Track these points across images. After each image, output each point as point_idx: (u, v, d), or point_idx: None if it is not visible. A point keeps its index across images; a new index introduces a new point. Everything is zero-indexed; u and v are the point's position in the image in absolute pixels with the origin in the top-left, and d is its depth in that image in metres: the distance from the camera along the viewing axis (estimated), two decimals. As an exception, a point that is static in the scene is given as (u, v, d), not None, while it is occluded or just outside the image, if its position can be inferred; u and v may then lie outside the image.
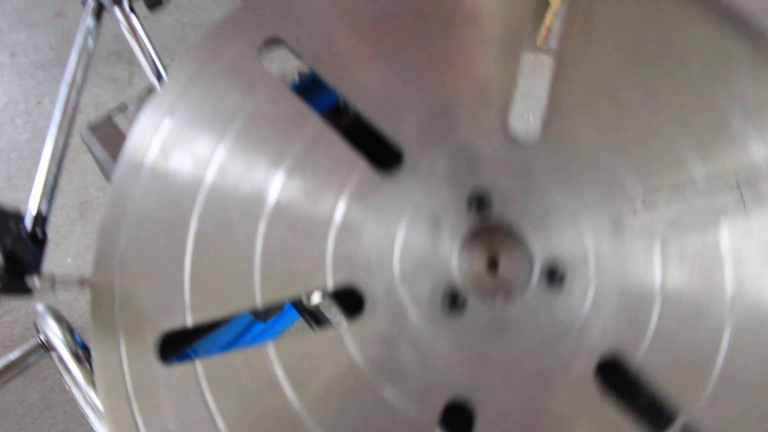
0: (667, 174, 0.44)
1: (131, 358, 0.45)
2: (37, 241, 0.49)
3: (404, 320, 0.44)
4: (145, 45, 0.64)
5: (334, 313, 0.63)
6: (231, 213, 0.46)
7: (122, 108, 0.68)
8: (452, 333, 0.43)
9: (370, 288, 0.44)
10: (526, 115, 0.47)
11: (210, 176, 0.46)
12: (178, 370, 0.44)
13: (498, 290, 0.44)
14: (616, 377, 0.43)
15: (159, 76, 0.64)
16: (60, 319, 0.54)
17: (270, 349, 0.44)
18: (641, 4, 0.46)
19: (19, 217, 0.45)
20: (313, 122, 0.46)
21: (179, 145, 0.47)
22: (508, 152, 0.44)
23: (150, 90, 0.64)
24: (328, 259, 0.45)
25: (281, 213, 0.45)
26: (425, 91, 0.45)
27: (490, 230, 0.44)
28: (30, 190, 1.43)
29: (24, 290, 0.48)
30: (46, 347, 0.53)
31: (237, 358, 0.45)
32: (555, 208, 0.44)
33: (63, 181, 1.41)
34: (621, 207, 0.44)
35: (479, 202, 0.44)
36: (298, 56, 0.47)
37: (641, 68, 0.45)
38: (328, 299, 0.59)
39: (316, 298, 0.61)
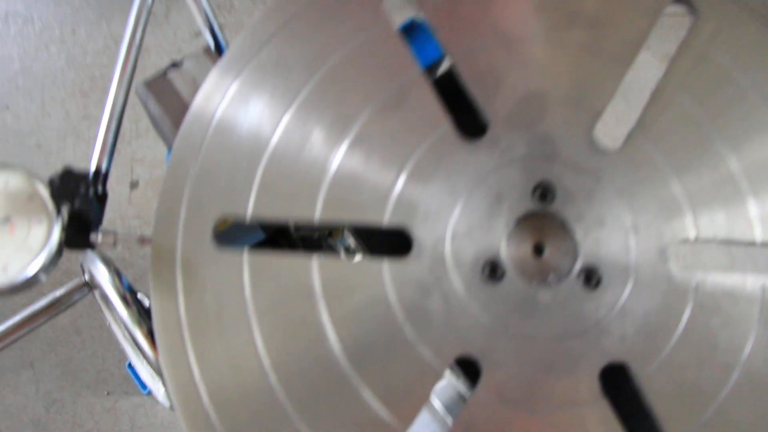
0: (725, 222, 0.47)
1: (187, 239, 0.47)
2: (98, 197, 0.51)
3: (443, 274, 0.46)
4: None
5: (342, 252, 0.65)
6: (306, 148, 0.48)
7: (177, 64, 0.71)
8: (483, 298, 0.46)
9: (421, 236, 0.47)
10: (613, 128, 0.51)
11: (290, 114, 0.49)
12: (229, 254, 0.47)
13: (537, 274, 0.47)
14: (619, 382, 0.46)
15: (212, 31, 0.66)
16: (106, 261, 0.56)
17: (314, 262, 0.46)
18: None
19: (88, 179, 0.48)
20: (413, 73, 0.49)
21: (254, 92, 0.50)
22: (584, 155, 0.48)
23: (206, 49, 0.67)
24: (392, 198, 0.47)
25: (359, 144, 0.48)
26: (527, 75, 0.49)
27: (545, 218, 0.47)
28: (64, 120, 1.44)
29: (87, 245, 0.50)
30: (90, 286, 0.55)
31: (283, 261, 0.47)
32: (611, 218, 0.47)
33: (97, 111, 1.44)
34: (673, 238, 0.47)
35: (543, 192, 0.47)
36: (418, 6, 0.50)
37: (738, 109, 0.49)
38: (351, 236, 0.62)
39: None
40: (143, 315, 0.62)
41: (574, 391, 0.45)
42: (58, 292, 0.57)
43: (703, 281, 0.46)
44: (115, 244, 0.50)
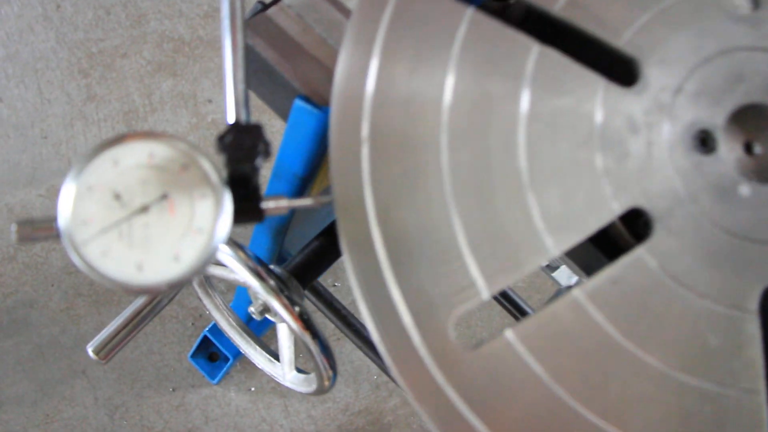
0: None
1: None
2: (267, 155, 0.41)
3: (657, 120, 0.41)
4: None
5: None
6: (480, 121, 0.42)
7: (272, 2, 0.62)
8: (684, 163, 0.41)
9: (650, 75, 0.42)
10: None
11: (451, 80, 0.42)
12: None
13: (747, 165, 0.42)
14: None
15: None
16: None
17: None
18: None
19: (261, 133, 0.38)
20: None
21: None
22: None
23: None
24: (634, 27, 0.42)
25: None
26: None
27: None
28: (66, 104, 1.31)
29: (257, 217, 0.40)
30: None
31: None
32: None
33: (101, 90, 1.31)
34: None
35: None
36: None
37: None
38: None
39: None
40: (280, 284, 0.54)
41: (732, 292, 0.40)
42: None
43: None
44: (287, 208, 0.41)
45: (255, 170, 0.37)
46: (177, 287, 0.38)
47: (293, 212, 0.69)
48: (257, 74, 0.55)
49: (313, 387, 0.64)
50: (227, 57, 0.47)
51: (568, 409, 0.38)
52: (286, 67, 0.52)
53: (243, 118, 0.44)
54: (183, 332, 1.20)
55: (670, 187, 0.41)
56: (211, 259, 0.38)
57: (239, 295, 0.97)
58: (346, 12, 0.56)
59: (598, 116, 0.42)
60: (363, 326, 1.02)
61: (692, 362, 0.39)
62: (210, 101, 1.31)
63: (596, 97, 0.42)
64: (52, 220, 0.39)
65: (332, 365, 0.58)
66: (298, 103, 0.50)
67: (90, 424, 1.15)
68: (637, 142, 0.42)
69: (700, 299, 0.40)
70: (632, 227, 0.46)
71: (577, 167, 0.41)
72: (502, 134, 0.41)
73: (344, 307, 1.04)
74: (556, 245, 0.40)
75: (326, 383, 0.60)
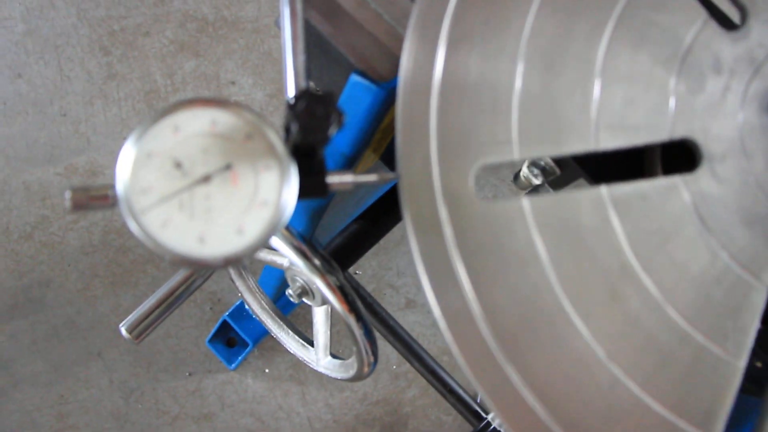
0: None
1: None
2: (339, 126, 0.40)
3: None
4: None
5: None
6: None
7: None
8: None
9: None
10: None
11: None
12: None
13: None
14: None
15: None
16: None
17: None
18: None
19: (333, 101, 0.36)
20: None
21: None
22: None
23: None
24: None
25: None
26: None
27: None
28: (86, 82, 1.29)
29: (323, 192, 0.38)
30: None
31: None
32: None
33: (123, 68, 1.29)
34: None
35: None
36: None
37: None
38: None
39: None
40: (325, 264, 0.53)
41: (754, 257, 0.39)
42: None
43: None
44: (354, 185, 0.39)
45: (326, 141, 0.35)
46: (237, 262, 0.36)
47: (333, 195, 0.67)
48: (307, 48, 0.53)
49: (351, 373, 0.62)
50: (286, 27, 0.45)
51: (553, 297, 0.38)
52: (342, 41, 0.50)
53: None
54: (201, 317, 1.18)
55: (731, 136, 0.40)
56: (275, 234, 0.36)
57: (264, 278, 0.95)
58: (400, -13, 0.54)
59: (687, 42, 0.41)
60: (388, 314, 1.00)
61: (689, 305, 0.39)
62: (233, 83, 1.29)
63: (693, 26, 0.41)
64: (108, 187, 0.37)
65: (374, 351, 0.57)
66: (355, 78, 0.48)
67: (105, 407, 1.13)
68: (716, 82, 0.41)
69: (720, 249, 0.39)
70: (667, 164, 0.45)
71: (650, 80, 0.40)
72: (586, 27, 0.40)
73: (369, 295, 1.03)
74: (599, 140, 0.39)
75: (366, 369, 0.58)
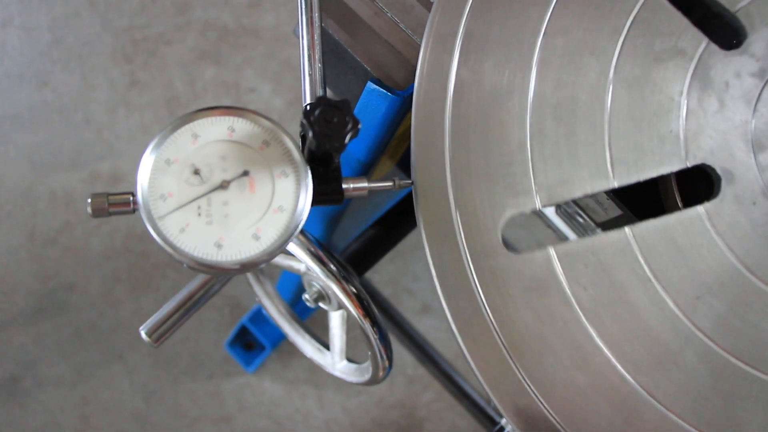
0: None
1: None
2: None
3: None
4: None
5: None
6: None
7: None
8: None
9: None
10: None
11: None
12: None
13: None
14: None
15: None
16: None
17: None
18: None
19: (349, 109, 0.37)
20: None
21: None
22: None
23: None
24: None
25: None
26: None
27: None
28: (109, 90, 1.31)
29: (338, 198, 0.40)
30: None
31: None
32: None
33: (144, 76, 1.31)
34: None
35: None
36: None
37: None
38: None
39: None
40: (341, 269, 0.53)
41: None
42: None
43: None
44: (368, 191, 0.40)
45: (342, 148, 0.36)
46: (254, 267, 0.37)
47: (348, 201, 0.68)
48: (324, 56, 0.54)
49: (366, 377, 0.63)
50: (303, 36, 0.46)
51: (580, 328, 0.38)
52: (358, 49, 0.51)
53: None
54: (220, 320, 1.20)
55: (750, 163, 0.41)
56: (291, 239, 0.37)
57: (282, 283, 0.96)
58: (416, -4, 0.55)
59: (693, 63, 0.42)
60: (404, 319, 1.01)
61: (715, 325, 0.39)
62: (252, 90, 1.30)
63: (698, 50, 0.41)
64: (128, 193, 0.38)
65: (389, 355, 0.57)
66: (371, 85, 0.49)
67: (125, 408, 1.15)
68: (723, 100, 0.41)
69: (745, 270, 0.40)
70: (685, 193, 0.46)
71: (662, 106, 0.41)
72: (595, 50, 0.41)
73: (385, 299, 1.03)
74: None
75: (381, 373, 0.59)
